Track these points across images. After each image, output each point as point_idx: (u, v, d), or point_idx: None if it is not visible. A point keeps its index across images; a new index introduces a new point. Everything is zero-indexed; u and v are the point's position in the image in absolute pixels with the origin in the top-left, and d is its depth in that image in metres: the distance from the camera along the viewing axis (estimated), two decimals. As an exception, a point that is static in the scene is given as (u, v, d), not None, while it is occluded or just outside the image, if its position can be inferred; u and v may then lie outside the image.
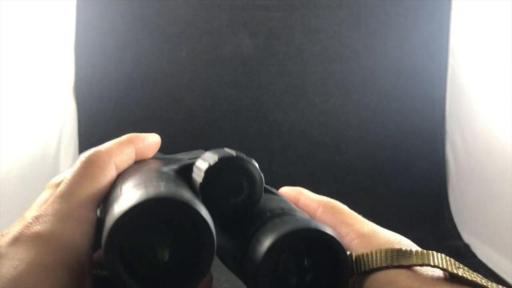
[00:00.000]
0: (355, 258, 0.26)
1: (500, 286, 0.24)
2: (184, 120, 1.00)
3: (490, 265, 0.81)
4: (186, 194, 0.22)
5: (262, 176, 0.26)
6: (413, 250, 0.25)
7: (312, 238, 0.24)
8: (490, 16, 0.85)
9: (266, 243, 0.23)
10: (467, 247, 0.88)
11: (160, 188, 0.22)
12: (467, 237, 0.91)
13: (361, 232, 0.28)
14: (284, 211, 0.27)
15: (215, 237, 0.22)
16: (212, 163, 0.25)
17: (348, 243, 0.27)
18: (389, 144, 1.00)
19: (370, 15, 0.99)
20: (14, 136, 0.79)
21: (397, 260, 0.25)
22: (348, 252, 0.25)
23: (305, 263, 0.24)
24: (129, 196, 0.21)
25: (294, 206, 0.29)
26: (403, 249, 0.25)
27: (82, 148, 0.97)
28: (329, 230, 0.24)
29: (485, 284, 0.24)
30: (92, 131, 0.98)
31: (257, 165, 0.26)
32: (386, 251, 0.25)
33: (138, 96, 1.00)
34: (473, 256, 0.85)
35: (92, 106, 0.99)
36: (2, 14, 0.75)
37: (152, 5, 0.99)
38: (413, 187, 0.99)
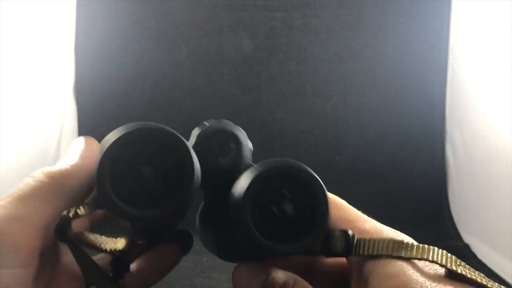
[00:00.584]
0: (357, 240, 0.26)
1: (502, 287, 0.24)
2: (184, 120, 1.00)
3: (490, 265, 0.81)
4: (168, 127, 0.26)
5: (249, 141, 0.30)
6: (415, 244, 0.26)
7: (288, 172, 0.27)
8: (490, 16, 0.85)
9: (247, 179, 0.26)
10: (467, 247, 0.88)
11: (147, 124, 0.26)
12: (467, 237, 0.91)
13: (363, 229, 0.28)
14: None
15: (194, 161, 0.26)
16: (203, 128, 0.30)
17: None
18: (389, 144, 1.00)
19: (370, 15, 0.99)
20: (14, 135, 0.79)
21: (397, 251, 0.25)
22: (351, 232, 0.26)
23: (284, 196, 0.27)
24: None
25: None
26: (405, 241, 0.25)
27: (82, 148, 0.96)
28: (305, 167, 0.28)
29: (485, 283, 0.23)
30: (92, 131, 0.98)
31: (244, 132, 0.30)
32: (389, 240, 0.26)
33: (139, 96, 1.00)
34: (473, 256, 0.85)
35: (92, 106, 0.99)
36: (2, 14, 0.75)
37: (152, 5, 0.99)
38: (413, 187, 0.99)
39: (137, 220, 0.25)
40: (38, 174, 0.25)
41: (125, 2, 0.99)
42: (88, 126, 0.98)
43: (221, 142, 0.30)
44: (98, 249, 0.26)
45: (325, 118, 1.01)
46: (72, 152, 0.27)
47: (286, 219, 0.26)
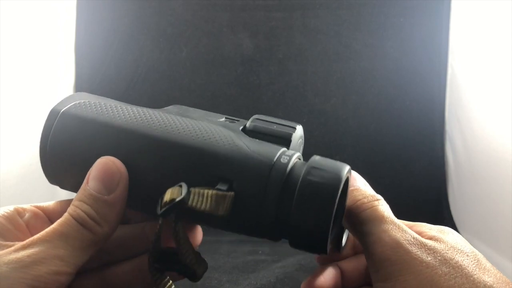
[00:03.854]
0: None
1: None
2: (184, 120, 1.00)
3: (490, 265, 0.81)
4: None
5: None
6: None
7: None
8: (490, 16, 0.85)
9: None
10: (467, 247, 0.88)
11: None
12: (467, 237, 0.90)
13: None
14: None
15: None
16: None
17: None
18: (388, 144, 1.00)
19: (370, 15, 0.99)
20: (15, 136, 0.79)
21: None
22: None
23: None
24: None
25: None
26: None
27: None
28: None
29: None
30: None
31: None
32: None
33: (138, 97, 1.00)
34: (473, 256, 0.85)
35: (92, 106, 0.99)
36: (2, 14, 0.75)
37: (152, 5, 0.99)
38: (413, 187, 1.00)
39: None
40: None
41: (125, 2, 0.99)
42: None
43: None
44: None
45: (325, 118, 1.01)
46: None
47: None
